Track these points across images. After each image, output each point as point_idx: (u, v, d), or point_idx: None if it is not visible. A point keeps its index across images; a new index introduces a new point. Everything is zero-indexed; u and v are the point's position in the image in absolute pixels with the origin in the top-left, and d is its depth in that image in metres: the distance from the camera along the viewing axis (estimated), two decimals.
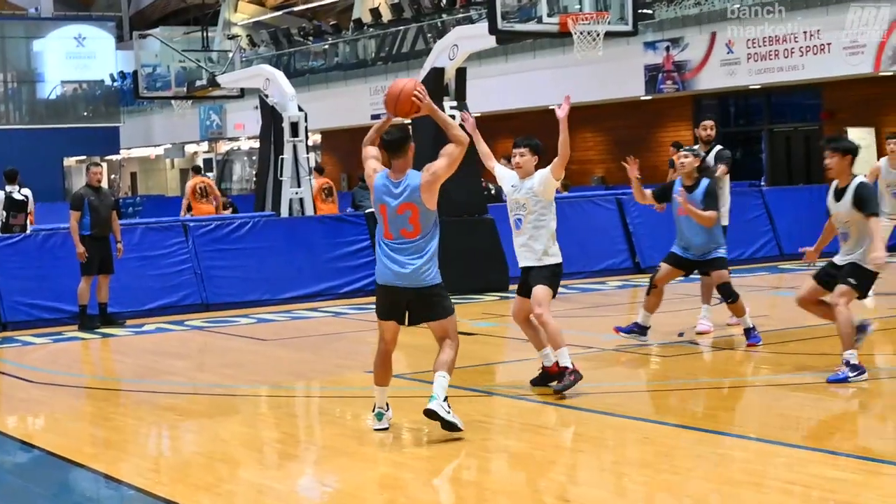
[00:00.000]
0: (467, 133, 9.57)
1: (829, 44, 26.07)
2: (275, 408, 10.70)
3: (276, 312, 16.73)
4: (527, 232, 10.05)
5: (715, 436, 8.65)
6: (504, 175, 10.34)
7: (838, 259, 10.39)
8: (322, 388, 11.45)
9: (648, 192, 12.29)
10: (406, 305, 8.90)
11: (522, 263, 10.17)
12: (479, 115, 25.33)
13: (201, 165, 31.54)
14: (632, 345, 12.47)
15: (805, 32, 26.51)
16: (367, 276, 18.06)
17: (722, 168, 13.31)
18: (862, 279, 10.23)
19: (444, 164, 8.84)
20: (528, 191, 10.12)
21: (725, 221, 13.22)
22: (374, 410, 9.02)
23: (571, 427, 9.22)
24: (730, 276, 12.28)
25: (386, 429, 8.94)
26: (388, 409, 9.02)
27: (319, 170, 29.40)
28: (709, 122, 13.68)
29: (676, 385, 10.61)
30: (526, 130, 38.12)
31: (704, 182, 12.25)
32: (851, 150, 10.26)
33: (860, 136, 27.31)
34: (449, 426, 8.66)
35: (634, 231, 19.87)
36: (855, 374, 10.10)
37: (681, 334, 12.91)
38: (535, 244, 10.05)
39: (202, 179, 26.87)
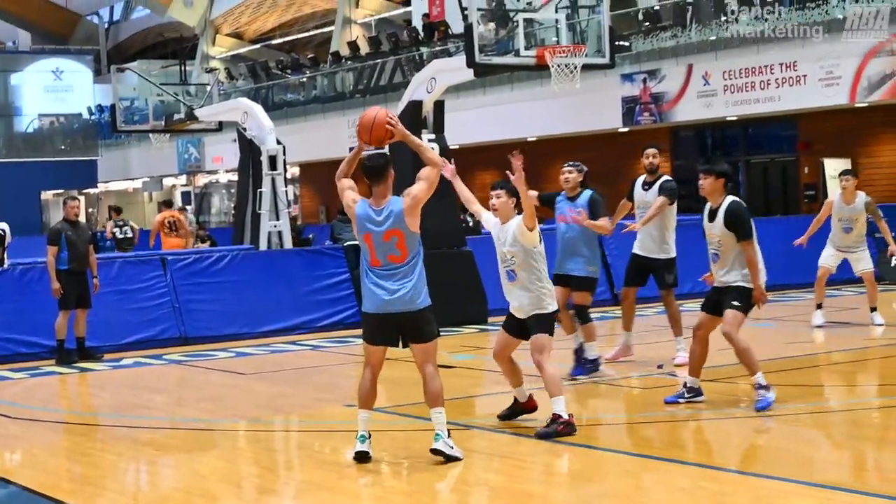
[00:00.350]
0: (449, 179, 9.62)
1: (804, 75, 26.20)
2: (253, 442, 10.65)
3: (255, 346, 16.68)
4: (522, 282, 9.90)
5: (695, 468, 8.64)
6: (489, 220, 10.25)
7: (718, 283, 10.65)
8: (301, 422, 11.41)
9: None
10: (398, 329, 9.00)
11: (522, 315, 9.99)
12: (456, 147, 25.43)
13: (171, 199, 31.66)
14: (611, 377, 12.48)
15: (781, 64, 26.64)
16: (346, 308, 18.07)
17: (661, 200, 13.23)
18: (746, 300, 10.43)
19: (423, 187, 8.97)
20: (512, 242, 9.95)
21: (673, 253, 13.33)
22: (358, 435, 8.98)
23: (551, 460, 9.19)
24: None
25: (368, 453, 8.90)
26: (369, 437, 9.00)
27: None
28: (651, 150, 13.70)
29: (656, 417, 10.60)
30: (503, 163, 37.97)
31: (587, 193, 12.75)
32: (724, 174, 10.63)
33: (837, 166, 27.46)
34: (452, 460, 8.82)
35: (612, 262, 19.90)
36: (770, 392, 10.33)
37: (660, 366, 12.93)
38: (533, 294, 9.89)
39: (171, 213, 26.98)
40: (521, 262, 9.89)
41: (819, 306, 16.29)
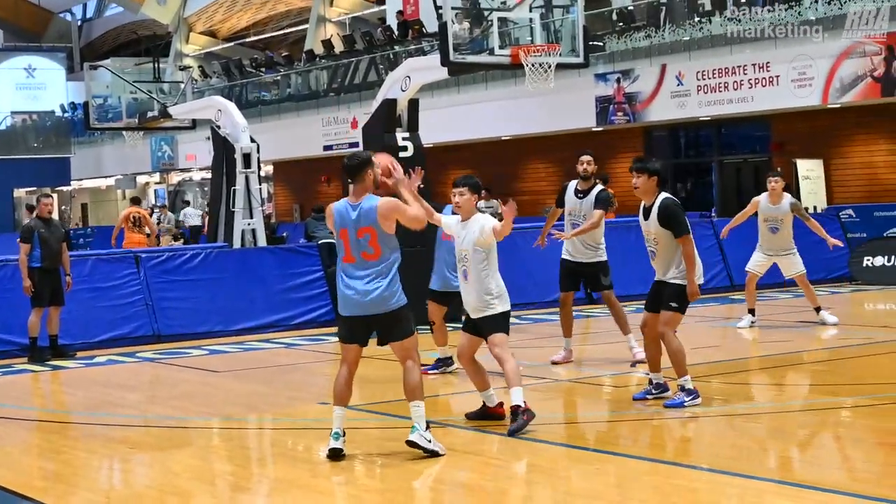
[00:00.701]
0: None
1: (777, 76, 26.31)
2: (227, 440, 10.64)
3: (229, 344, 16.66)
4: (474, 282, 9.92)
5: (668, 466, 8.68)
6: (449, 223, 10.22)
7: (657, 278, 10.76)
8: (275, 419, 11.40)
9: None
10: (372, 329, 9.10)
11: (475, 315, 10.03)
12: (430, 145, 25.42)
13: (139, 196, 31.84)
14: (585, 376, 12.52)
15: (754, 65, 26.75)
16: (320, 306, 18.06)
17: (599, 213, 13.25)
18: (684, 300, 10.52)
19: (406, 214, 9.01)
20: (469, 242, 10.00)
21: (605, 256, 13.44)
22: (332, 432, 8.98)
23: (524, 458, 9.21)
24: None
25: (341, 450, 8.91)
26: (343, 434, 9.00)
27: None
28: (586, 157, 13.48)
29: (629, 416, 10.64)
30: (478, 161, 38.30)
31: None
32: (657, 172, 10.65)
33: (809, 167, 27.62)
34: (431, 454, 8.87)
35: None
36: (690, 398, 10.43)
37: (633, 364, 12.97)
38: (484, 294, 9.91)
39: (137, 209, 27.08)
40: (474, 261, 9.96)
41: (751, 311, 16.22)
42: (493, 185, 35.04)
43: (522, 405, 9.74)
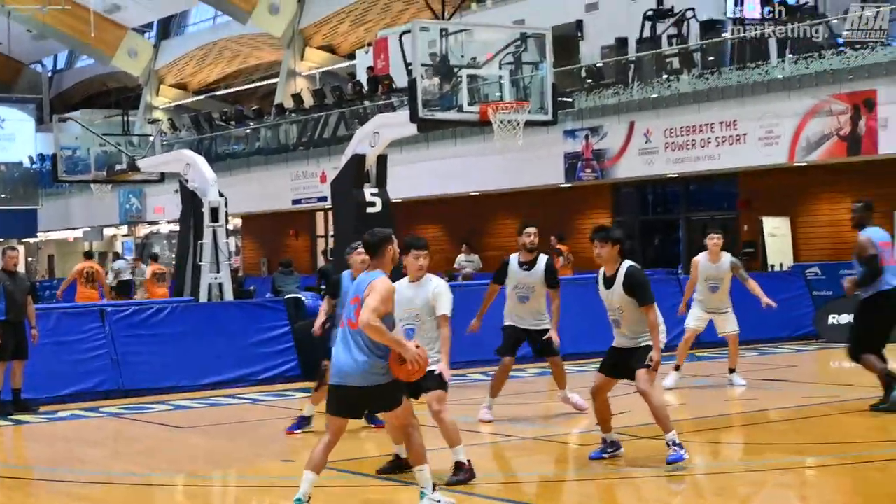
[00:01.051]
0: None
1: (744, 134, 26.50)
2: (191, 497, 10.56)
3: (194, 399, 16.55)
4: (422, 342, 9.84)
5: None
6: (399, 288, 9.93)
7: (619, 344, 10.65)
8: (239, 477, 11.32)
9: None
10: (357, 401, 9.00)
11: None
12: (399, 200, 25.48)
13: (93, 251, 31.78)
14: (551, 434, 12.49)
15: (722, 123, 26.94)
16: (286, 361, 17.99)
17: (558, 296, 13.44)
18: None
19: (375, 306, 8.74)
20: (425, 302, 10.15)
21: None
22: (295, 498, 8.87)
23: None
24: None
25: None
26: (308, 501, 8.89)
27: (154, 257, 29.51)
28: (532, 229, 13.39)
29: (598, 474, 10.60)
30: (446, 216, 38.38)
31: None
32: (619, 240, 10.59)
33: (775, 224, 27.77)
34: None
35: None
36: (683, 451, 10.35)
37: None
38: (430, 353, 9.88)
39: (91, 264, 27.06)
40: (426, 319, 10.16)
41: (677, 368, 16.14)
42: (463, 241, 35.17)
43: (466, 462, 9.86)
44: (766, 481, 10.20)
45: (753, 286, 16.17)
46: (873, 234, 13.77)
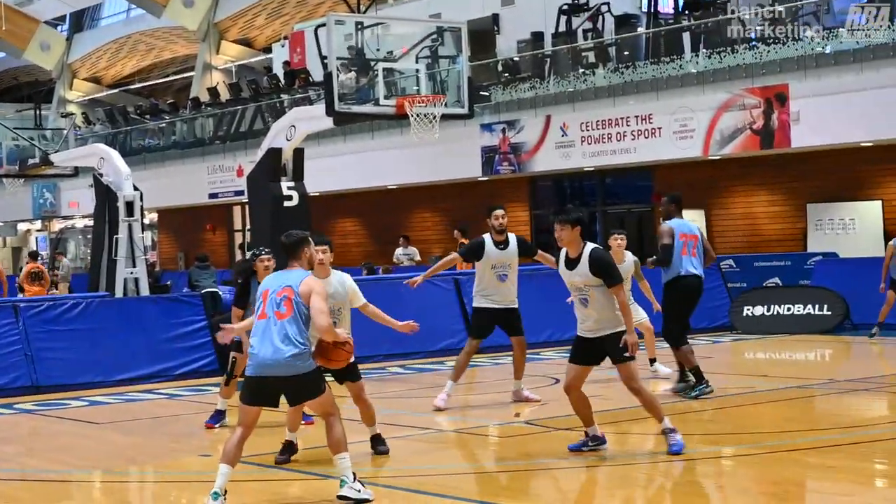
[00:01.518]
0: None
1: (659, 128, 26.73)
2: (108, 494, 10.47)
3: (110, 395, 16.39)
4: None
5: None
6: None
7: (586, 333, 10.64)
8: (156, 472, 11.24)
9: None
10: (279, 392, 9.11)
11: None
12: (317, 194, 25.40)
13: (37, 251, 31.49)
14: (470, 426, 12.51)
15: (637, 116, 27.15)
16: (204, 356, 17.87)
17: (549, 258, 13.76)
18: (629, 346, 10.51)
19: (318, 306, 8.98)
20: (340, 297, 10.75)
21: None
22: (211, 492, 8.85)
23: None
24: None
25: None
26: (225, 494, 8.86)
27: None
28: (500, 211, 13.98)
29: (514, 466, 10.65)
30: (364, 210, 38.28)
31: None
32: (580, 221, 10.62)
33: (690, 217, 27.92)
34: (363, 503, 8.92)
35: (471, 311, 19.91)
36: (678, 435, 10.46)
37: (517, 415, 13.01)
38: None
39: (36, 265, 26.87)
40: (344, 314, 10.84)
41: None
42: (381, 233, 35.16)
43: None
44: (684, 471, 10.28)
45: (646, 287, 16.37)
46: (676, 226, 14.50)
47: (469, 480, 10.46)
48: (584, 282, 10.47)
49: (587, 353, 10.66)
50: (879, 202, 25.52)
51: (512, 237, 13.97)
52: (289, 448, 10.74)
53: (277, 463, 10.61)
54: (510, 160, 29.88)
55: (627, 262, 15.91)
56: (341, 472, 8.99)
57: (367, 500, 8.93)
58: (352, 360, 9.82)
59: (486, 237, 13.95)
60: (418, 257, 30.39)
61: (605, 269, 10.47)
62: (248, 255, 12.92)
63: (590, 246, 10.57)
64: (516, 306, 14.02)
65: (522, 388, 14.05)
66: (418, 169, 31.61)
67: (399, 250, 30.44)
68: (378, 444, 10.89)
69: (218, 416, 13.06)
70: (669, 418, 10.55)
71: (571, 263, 10.58)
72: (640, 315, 16.11)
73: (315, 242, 10.20)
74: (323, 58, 17.85)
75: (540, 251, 14.30)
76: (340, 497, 8.92)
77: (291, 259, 9.27)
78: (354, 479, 8.96)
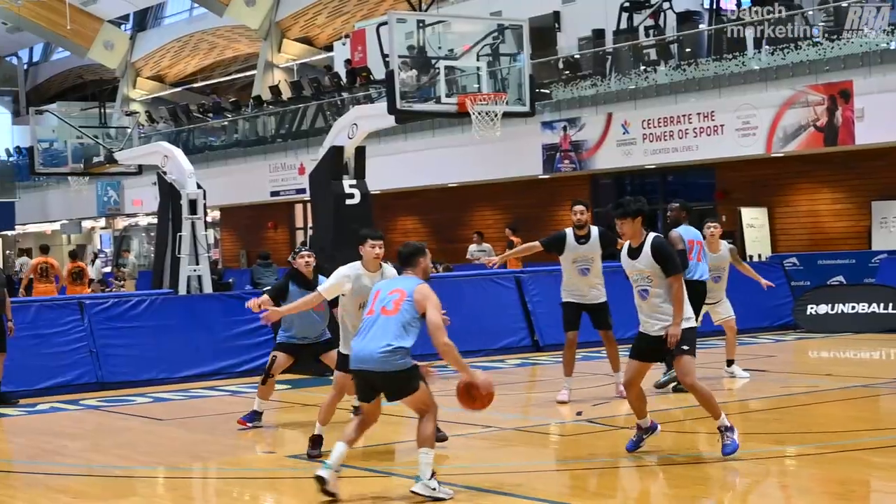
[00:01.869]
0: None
1: (722, 125, 26.56)
2: (171, 489, 10.56)
3: (173, 391, 16.54)
4: None
5: None
6: (358, 277, 10.59)
7: (647, 329, 10.53)
8: (219, 469, 11.32)
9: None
10: (375, 385, 9.33)
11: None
12: (378, 192, 25.39)
13: (48, 245, 31.91)
14: (530, 425, 12.50)
15: (699, 114, 26.99)
16: (266, 353, 17.91)
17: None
18: (691, 341, 10.39)
19: (434, 320, 9.19)
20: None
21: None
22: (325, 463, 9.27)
23: None
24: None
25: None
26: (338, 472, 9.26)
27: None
28: (579, 207, 14.09)
29: (575, 465, 10.64)
30: (425, 208, 38.26)
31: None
32: (641, 212, 10.52)
33: (753, 215, 27.85)
34: (436, 501, 9.03)
35: (533, 309, 19.96)
36: (735, 434, 10.35)
37: (579, 413, 12.99)
38: None
39: (45, 259, 27.12)
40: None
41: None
42: (441, 231, 35.19)
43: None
44: (748, 470, 10.23)
45: (748, 269, 16.29)
46: (684, 232, 14.73)
47: (532, 478, 10.44)
48: (647, 271, 10.41)
49: (646, 349, 10.60)
50: None
51: (594, 230, 14.10)
52: (318, 442, 10.92)
53: (310, 457, 10.74)
54: (571, 158, 29.81)
55: (723, 250, 15.77)
56: (419, 467, 9.11)
57: (442, 500, 9.00)
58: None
59: (568, 231, 14.11)
60: (493, 254, 30.27)
61: (666, 257, 10.41)
62: (291, 254, 13.03)
63: (651, 235, 10.54)
64: (602, 300, 14.09)
65: (620, 380, 13.84)
66: (479, 167, 31.59)
67: (473, 247, 30.32)
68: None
69: (253, 416, 13.08)
70: (727, 416, 10.47)
71: (634, 253, 10.53)
72: (727, 312, 15.92)
73: (371, 237, 10.41)
74: (384, 56, 17.84)
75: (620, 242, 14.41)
76: (413, 492, 9.04)
77: (406, 267, 9.54)
78: (431, 477, 9.05)
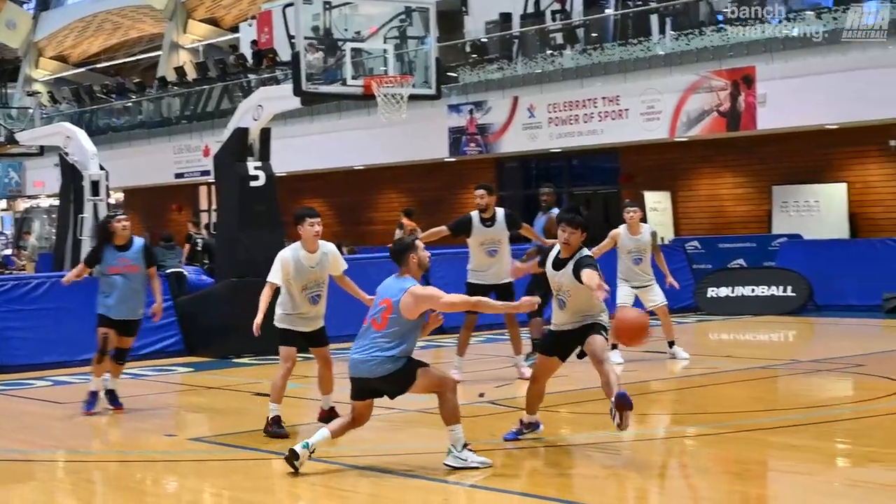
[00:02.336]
0: None
1: (626, 109, 26.78)
2: (71, 473, 10.45)
3: (74, 375, 16.33)
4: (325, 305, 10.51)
5: (520, 497, 8.69)
6: (298, 259, 10.99)
7: (562, 327, 10.24)
8: (120, 452, 11.23)
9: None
10: (372, 388, 9.53)
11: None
12: (283, 174, 25.28)
13: None
14: (433, 407, 12.53)
15: (604, 98, 27.19)
16: (169, 336, 17.84)
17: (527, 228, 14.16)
18: (606, 330, 10.21)
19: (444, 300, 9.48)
20: (324, 269, 11.14)
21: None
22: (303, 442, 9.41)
23: (372, 490, 9.19)
24: None
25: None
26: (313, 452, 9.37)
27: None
28: (480, 192, 14.29)
29: (475, 446, 10.66)
30: (331, 191, 38.16)
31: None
32: (588, 228, 10.29)
33: (656, 199, 28.12)
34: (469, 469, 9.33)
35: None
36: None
37: (481, 395, 13.03)
38: None
39: None
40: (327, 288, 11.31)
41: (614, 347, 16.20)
42: (347, 214, 35.12)
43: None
44: (648, 451, 10.34)
45: (661, 260, 16.07)
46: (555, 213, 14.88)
47: (435, 460, 10.44)
48: (567, 286, 10.07)
49: (557, 345, 10.38)
50: (844, 185, 25.65)
51: (500, 212, 14.27)
52: (277, 421, 11.01)
53: (275, 436, 10.85)
54: (477, 141, 29.90)
55: (644, 233, 15.73)
56: (451, 441, 9.35)
57: (477, 468, 9.29)
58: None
59: (474, 214, 14.26)
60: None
61: (583, 265, 9.98)
62: (105, 216, 13.09)
63: (584, 251, 10.14)
64: (509, 281, 14.19)
65: (521, 363, 14.37)
66: (385, 149, 31.58)
67: (399, 232, 30.30)
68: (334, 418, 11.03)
69: (92, 399, 12.96)
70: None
71: (560, 264, 10.16)
72: (658, 298, 15.94)
73: (308, 216, 10.63)
74: (290, 37, 17.83)
75: (525, 225, 14.68)
76: (446, 465, 9.30)
77: (399, 266, 9.55)
78: (464, 447, 9.34)
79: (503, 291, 14.18)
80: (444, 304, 9.42)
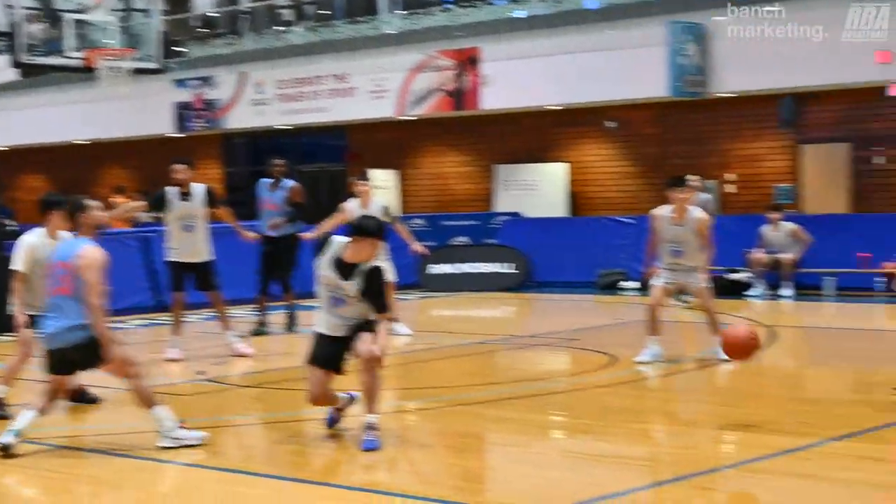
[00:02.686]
0: None
1: (355, 87, 26.92)
2: None
3: None
4: None
5: (231, 474, 8.69)
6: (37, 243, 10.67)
7: (333, 332, 9.54)
8: None
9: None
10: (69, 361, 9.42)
11: None
12: (5, 148, 24.58)
13: None
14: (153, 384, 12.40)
15: (333, 76, 27.27)
16: None
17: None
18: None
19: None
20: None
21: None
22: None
23: (87, 470, 9.04)
24: None
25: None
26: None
27: None
28: (178, 167, 14.05)
29: (195, 424, 10.60)
30: (55, 165, 37.26)
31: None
32: (386, 237, 9.80)
33: (384, 177, 28.38)
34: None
35: (159, 269, 19.70)
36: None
37: (200, 373, 12.98)
38: None
39: None
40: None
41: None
42: (71, 190, 34.24)
43: None
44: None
45: (402, 229, 16.19)
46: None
47: (133, 438, 10.20)
48: (351, 293, 9.26)
49: (326, 354, 9.60)
50: (566, 164, 26.38)
51: (199, 187, 14.08)
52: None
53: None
54: (204, 117, 29.60)
55: (376, 206, 15.45)
56: (158, 425, 9.22)
57: (194, 445, 9.19)
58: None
59: (171, 188, 13.99)
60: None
61: (377, 296, 9.32)
62: None
63: (376, 262, 9.34)
64: (207, 259, 14.06)
65: (234, 340, 14.27)
66: (109, 124, 30.98)
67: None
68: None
69: None
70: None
71: (346, 271, 9.20)
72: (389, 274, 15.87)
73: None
74: (8, 6, 17.28)
75: (224, 208, 14.54)
76: (161, 447, 9.15)
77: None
78: (180, 426, 9.24)
79: (201, 271, 14.08)
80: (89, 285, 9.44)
